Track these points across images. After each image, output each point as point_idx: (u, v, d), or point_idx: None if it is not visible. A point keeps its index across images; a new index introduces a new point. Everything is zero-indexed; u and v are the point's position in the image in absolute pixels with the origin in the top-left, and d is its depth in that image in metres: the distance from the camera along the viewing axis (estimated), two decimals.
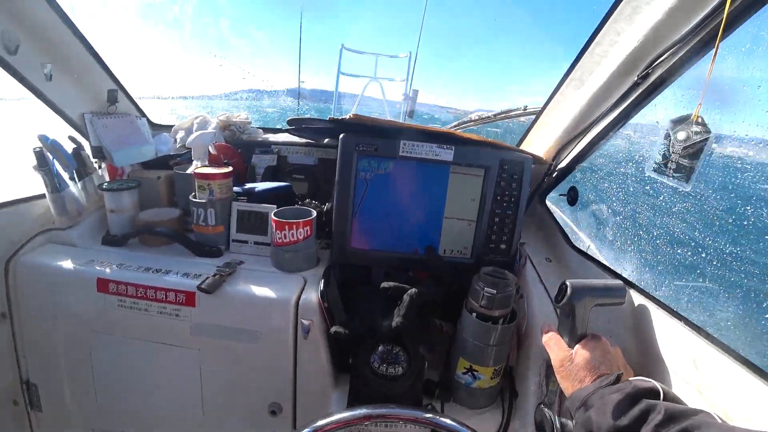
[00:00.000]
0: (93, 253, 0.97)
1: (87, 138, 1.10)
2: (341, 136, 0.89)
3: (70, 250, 0.98)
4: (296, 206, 0.97)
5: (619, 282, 0.72)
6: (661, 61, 0.81)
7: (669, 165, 0.78)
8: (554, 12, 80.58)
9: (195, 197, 0.99)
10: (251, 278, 0.90)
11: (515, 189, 0.92)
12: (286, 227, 0.90)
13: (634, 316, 0.79)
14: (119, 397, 0.98)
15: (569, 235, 1.06)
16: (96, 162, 1.12)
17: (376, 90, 3.27)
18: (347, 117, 0.86)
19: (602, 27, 0.84)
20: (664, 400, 0.49)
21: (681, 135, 0.75)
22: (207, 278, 0.87)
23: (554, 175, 1.08)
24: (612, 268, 0.91)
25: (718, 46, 0.72)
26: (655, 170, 0.80)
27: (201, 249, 0.99)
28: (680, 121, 0.75)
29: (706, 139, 0.73)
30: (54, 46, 1.00)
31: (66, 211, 1.03)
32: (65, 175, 1.03)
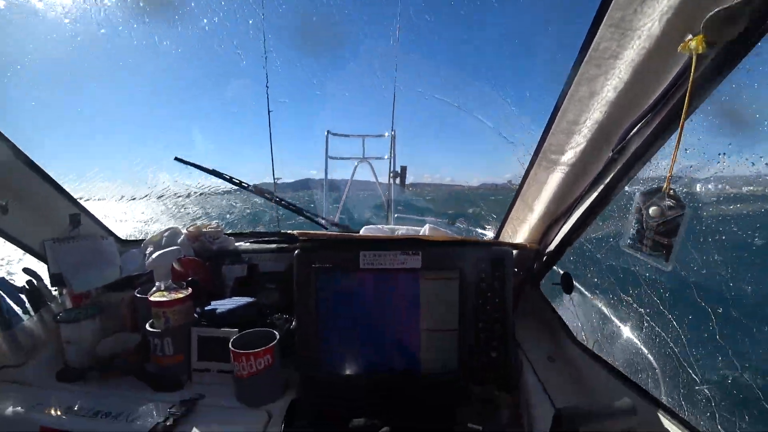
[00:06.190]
0: (43, 394, 0.89)
1: (47, 264, 1.05)
2: (296, 252, 0.82)
3: (19, 391, 0.90)
4: (258, 329, 0.87)
5: (627, 402, 0.59)
6: (635, 133, 0.73)
7: (644, 242, 0.67)
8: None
9: (152, 326, 0.91)
10: (209, 418, 0.80)
11: (498, 288, 0.82)
12: (243, 358, 0.80)
13: None
14: None
15: (570, 326, 0.93)
16: (55, 289, 1.06)
17: (368, 172, 3.27)
18: (294, 232, 0.79)
19: (563, 101, 0.77)
20: None
21: (653, 210, 0.65)
22: (157, 424, 0.77)
23: (544, 259, 0.97)
24: (623, 372, 0.78)
25: (685, 113, 0.63)
26: (630, 246, 0.70)
27: (158, 384, 0.89)
28: (651, 195, 0.66)
29: (682, 215, 0.63)
30: (8, 181, 0.98)
31: (20, 347, 0.97)
32: (19, 309, 0.97)
